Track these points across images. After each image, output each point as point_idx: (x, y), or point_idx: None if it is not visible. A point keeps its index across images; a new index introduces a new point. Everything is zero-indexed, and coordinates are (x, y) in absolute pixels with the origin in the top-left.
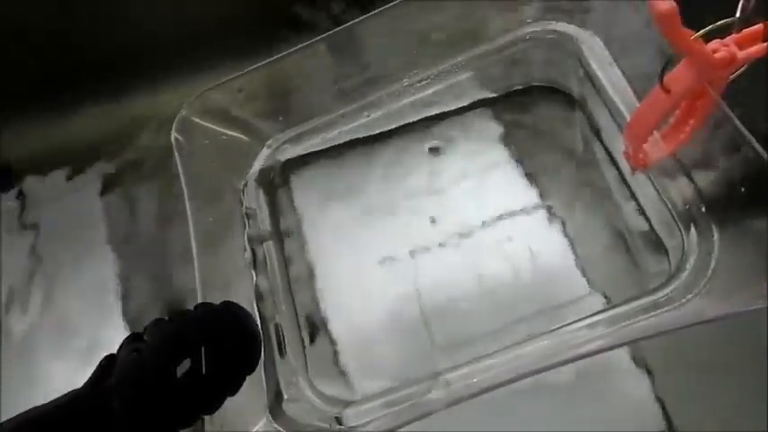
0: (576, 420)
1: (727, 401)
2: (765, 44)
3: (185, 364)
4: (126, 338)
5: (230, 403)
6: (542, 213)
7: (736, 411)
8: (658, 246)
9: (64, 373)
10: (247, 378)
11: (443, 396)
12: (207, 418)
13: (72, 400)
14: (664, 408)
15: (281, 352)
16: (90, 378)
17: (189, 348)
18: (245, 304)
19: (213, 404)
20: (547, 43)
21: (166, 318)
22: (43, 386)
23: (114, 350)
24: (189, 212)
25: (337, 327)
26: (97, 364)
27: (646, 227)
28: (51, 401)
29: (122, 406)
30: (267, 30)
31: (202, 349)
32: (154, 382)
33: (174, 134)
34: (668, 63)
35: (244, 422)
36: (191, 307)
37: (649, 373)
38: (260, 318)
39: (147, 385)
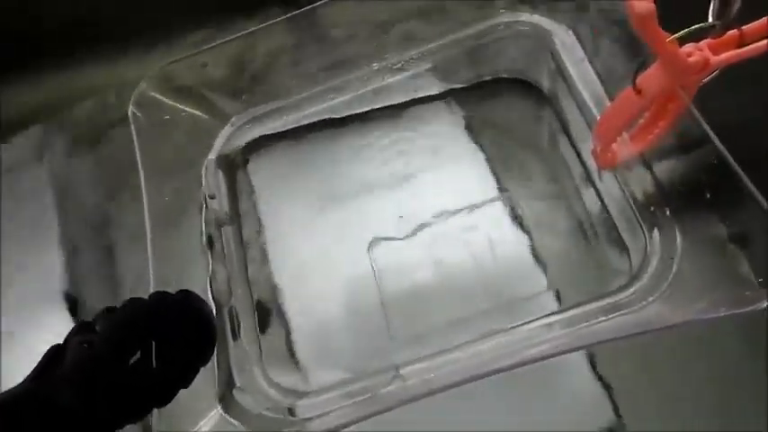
0: (523, 410)
1: (671, 395)
2: (737, 51)
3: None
4: (74, 328)
5: (181, 393)
6: (504, 206)
7: (682, 406)
8: (620, 245)
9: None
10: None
11: (400, 391)
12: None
13: (15, 397)
14: (613, 401)
15: (235, 338)
16: (35, 370)
17: (143, 341)
18: (199, 288)
19: (166, 397)
20: (519, 35)
21: (118, 306)
22: None
23: (55, 337)
24: (144, 191)
25: (292, 314)
26: (42, 354)
27: (609, 226)
28: None
29: (73, 401)
30: (240, 4)
31: (153, 343)
32: (108, 376)
33: (131, 108)
34: (642, 64)
35: (194, 411)
36: (142, 292)
37: (596, 365)
38: (214, 303)
39: (102, 380)
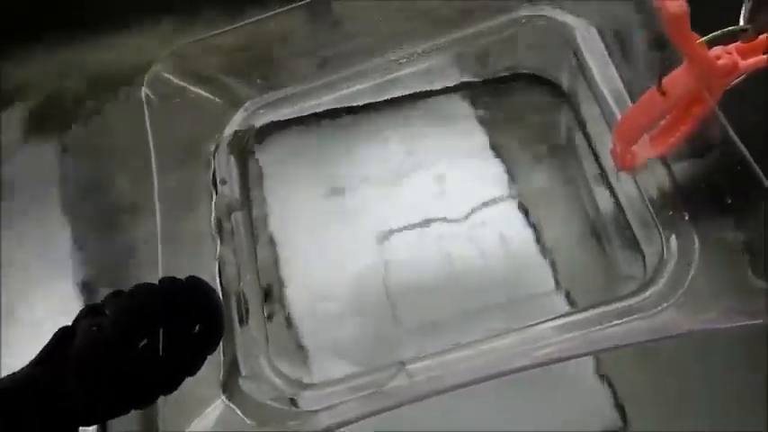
0: (527, 411)
1: (677, 399)
2: (766, 56)
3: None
4: (83, 311)
5: (186, 380)
6: (516, 203)
7: (688, 410)
8: (635, 249)
9: (11, 343)
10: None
11: (408, 388)
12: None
13: (24, 381)
14: (618, 404)
15: (242, 325)
16: (43, 351)
17: (153, 326)
18: (207, 274)
19: (172, 384)
20: (540, 30)
21: (127, 290)
22: None
23: (63, 318)
24: (155, 173)
25: (298, 303)
26: (47, 333)
27: (623, 227)
28: None
29: (80, 386)
30: None
31: (161, 330)
32: (116, 360)
33: (144, 89)
34: (668, 65)
35: (199, 399)
36: (150, 275)
37: (602, 368)
38: (222, 290)
39: (110, 364)
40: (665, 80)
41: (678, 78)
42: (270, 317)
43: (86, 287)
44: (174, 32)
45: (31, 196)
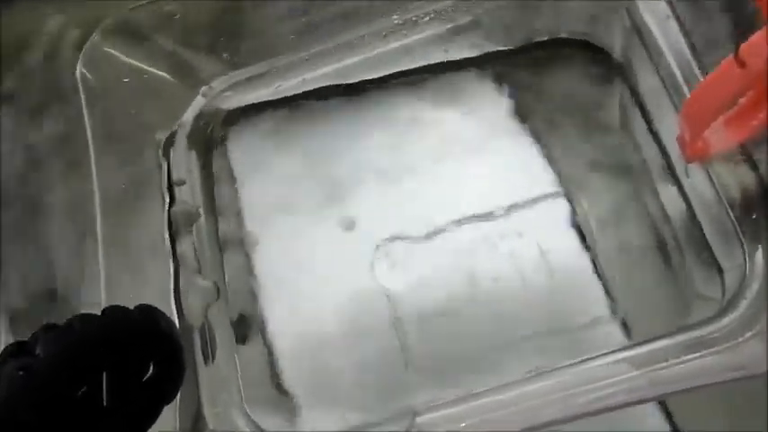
0: None
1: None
2: None
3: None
4: (6, 349)
5: None
6: (560, 205)
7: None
8: (710, 263)
9: None
10: None
11: None
12: None
13: None
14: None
15: (207, 366)
16: None
17: (96, 369)
18: (162, 301)
19: None
20: None
21: (63, 323)
22: None
23: None
24: (94, 174)
25: (282, 337)
26: None
27: (696, 236)
28: None
29: None
30: None
31: (104, 374)
32: (49, 414)
33: (79, 68)
34: (747, 29)
35: None
36: (89, 304)
37: (671, 413)
38: (182, 322)
39: (41, 418)
40: (743, 47)
41: (760, 45)
42: (244, 354)
43: (10, 320)
44: None
45: None
